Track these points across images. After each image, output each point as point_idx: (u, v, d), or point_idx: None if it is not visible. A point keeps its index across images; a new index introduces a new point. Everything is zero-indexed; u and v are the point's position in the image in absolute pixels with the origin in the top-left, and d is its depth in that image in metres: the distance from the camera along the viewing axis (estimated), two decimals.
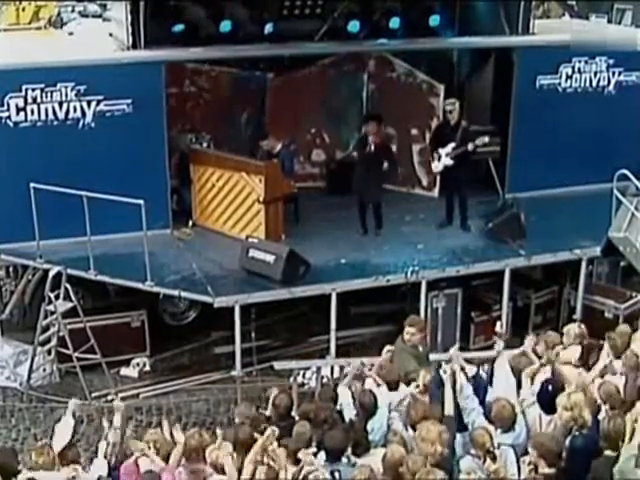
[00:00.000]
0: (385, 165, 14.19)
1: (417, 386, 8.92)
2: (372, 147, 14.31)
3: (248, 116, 16.38)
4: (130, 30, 13.88)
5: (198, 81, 16.19)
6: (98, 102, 13.70)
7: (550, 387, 8.60)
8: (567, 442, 7.83)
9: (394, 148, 15.80)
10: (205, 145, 15.60)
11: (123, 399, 12.50)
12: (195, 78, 16.16)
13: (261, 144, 15.01)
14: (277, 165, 14.43)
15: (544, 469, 7.40)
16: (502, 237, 14.43)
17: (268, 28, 14.81)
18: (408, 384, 9.22)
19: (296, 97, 16.36)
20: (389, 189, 15.56)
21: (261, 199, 14.08)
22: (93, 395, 12.84)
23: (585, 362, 9.81)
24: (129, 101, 13.76)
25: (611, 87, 16.59)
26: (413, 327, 10.06)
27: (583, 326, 10.72)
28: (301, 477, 7.53)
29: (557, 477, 7.44)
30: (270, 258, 13.12)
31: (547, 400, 8.45)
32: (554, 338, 10.21)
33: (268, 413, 9.49)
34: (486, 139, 14.55)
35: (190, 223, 14.93)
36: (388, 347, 10.02)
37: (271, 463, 7.70)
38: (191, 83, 16.15)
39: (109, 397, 12.69)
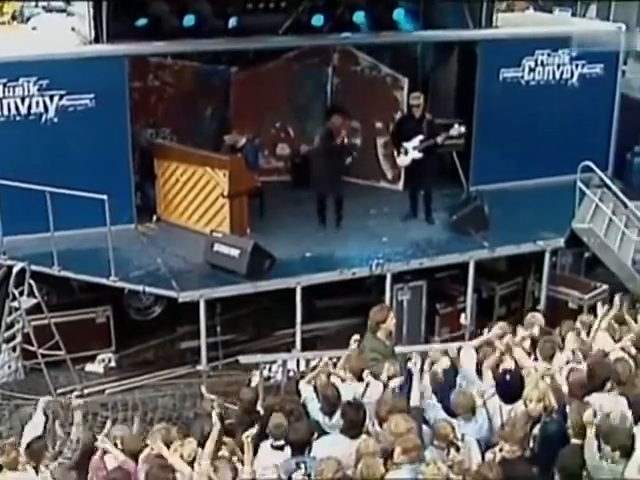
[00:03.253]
0: (349, 160, 14.22)
1: (388, 377, 8.95)
2: (344, 140, 14.35)
3: (212, 110, 16.36)
4: (93, 24, 13.85)
5: (162, 75, 16.15)
6: (61, 97, 13.64)
7: (508, 377, 8.67)
8: (537, 430, 7.95)
9: (358, 141, 15.84)
10: (165, 140, 15.54)
11: (89, 395, 12.63)
12: (159, 72, 16.12)
13: (225, 138, 14.99)
14: (241, 159, 14.44)
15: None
16: (466, 229, 14.51)
17: (232, 22, 14.83)
18: (375, 377, 9.26)
19: (260, 91, 16.34)
20: (353, 182, 15.61)
21: (225, 193, 14.07)
22: (58, 392, 12.76)
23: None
24: (92, 96, 13.71)
25: (574, 80, 16.70)
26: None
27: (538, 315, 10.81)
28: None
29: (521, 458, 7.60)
30: (235, 252, 13.11)
31: (506, 390, 8.52)
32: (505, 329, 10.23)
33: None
34: (462, 129, 14.64)
35: (154, 218, 14.89)
36: (356, 337, 9.99)
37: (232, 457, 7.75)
38: (154, 77, 16.11)
39: (74, 394, 12.65)
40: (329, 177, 14.49)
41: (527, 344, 9.94)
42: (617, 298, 10.63)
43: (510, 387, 8.54)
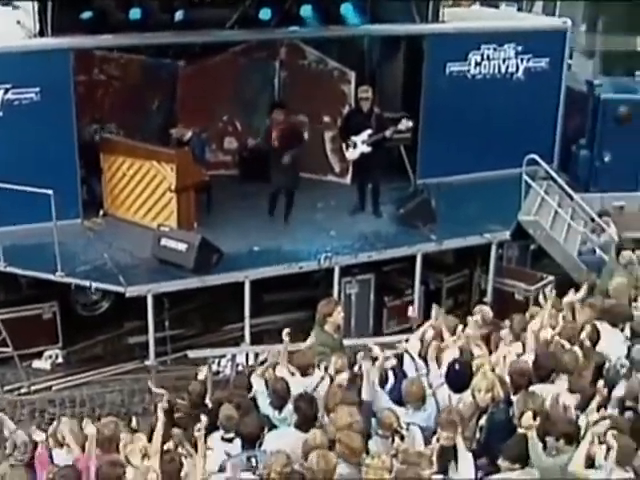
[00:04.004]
0: (286, 158, 14.20)
1: (336, 371, 8.99)
2: (276, 140, 14.36)
3: (158, 104, 16.21)
4: (38, 18, 13.72)
5: (107, 69, 15.99)
6: (6, 90, 13.49)
7: (458, 366, 8.75)
8: (484, 420, 8.09)
9: (306, 135, 15.83)
10: (111, 134, 15.43)
11: (36, 392, 12.55)
12: (104, 66, 15.95)
13: (171, 132, 14.92)
14: (188, 153, 14.38)
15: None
16: (413, 222, 14.62)
17: (178, 15, 14.75)
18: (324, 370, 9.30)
19: (207, 85, 16.27)
20: (301, 176, 15.58)
21: (172, 187, 14.00)
22: (5, 389, 12.67)
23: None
24: (37, 89, 13.57)
25: (520, 73, 16.85)
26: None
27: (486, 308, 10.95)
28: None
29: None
30: (182, 247, 13.06)
31: (455, 380, 8.60)
32: (451, 322, 10.34)
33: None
34: (410, 123, 14.71)
35: (101, 213, 14.78)
36: (286, 330, 9.94)
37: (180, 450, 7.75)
38: (100, 71, 15.94)
39: (22, 390, 12.57)
40: (279, 171, 14.50)
41: (478, 334, 10.08)
42: (548, 290, 10.79)
43: (459, 376, 8.64)
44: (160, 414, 8.12)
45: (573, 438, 7.31)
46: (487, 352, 9.67)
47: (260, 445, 7.94)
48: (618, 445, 6.89)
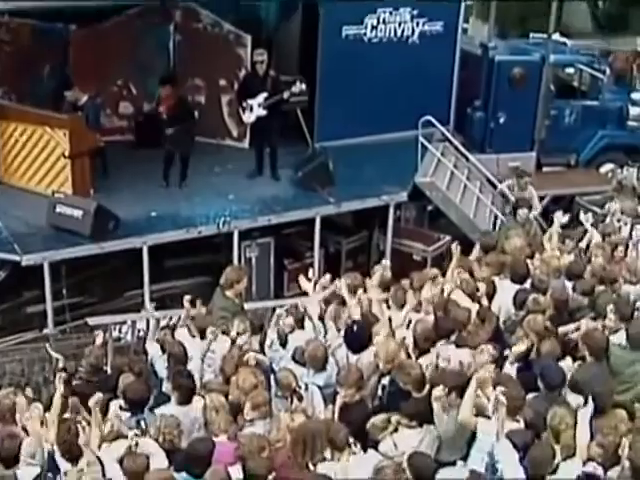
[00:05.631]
0: (169, 130, 14.14)
1: (238, 334, 9.01)
2: (164, 113, 14.28)
3: (51, 68, 15.88)
4: None
5: None
6: None
7: (355, 328, 8.86)
8: (387, 381, 8.20)
9: (202, 99, 15.73)
10: (2, 99, 15.08)
11: None
12: None
13: (66, 95, 14.62)
14: (82, 118, 14.13)
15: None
16: (312, 185, 14.67)
17: None
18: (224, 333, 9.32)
19: (101, 49, 15.94)
20: (198, 141, 15.49)
21: (66, 153, 13.76)
22: None
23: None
24: None
25: (415, 37, 16.98)
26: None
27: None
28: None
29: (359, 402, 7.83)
30: (78, 213, 12.91)
31: (354, 340, 8.70)
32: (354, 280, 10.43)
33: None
34: (303, 86, 14.73)
35: None
36: (187, 297, 9.92)
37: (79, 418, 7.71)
38: None
39: None
40: (172, 137, 14.37)
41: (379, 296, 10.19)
42: (454, 247, 10.95)
43: (357, 338, 8.73)
44: (58, 383, 8.04)
45: (464, 391, 7.49)
46: (388, 314, 9.74)
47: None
48: (508, 397, 7.06)
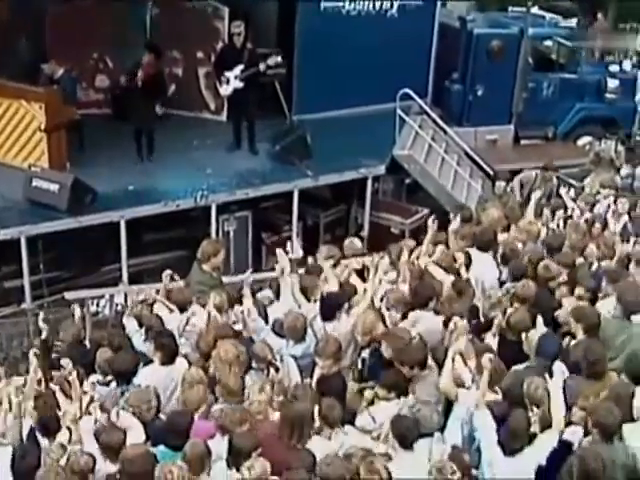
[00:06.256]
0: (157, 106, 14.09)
1: (215, 306, 9.01)
2: (140, 81, 14.15)
3: (27, 41, 15.74)
4: None
5: None
6: None
7: (329, 299, 8.89)
8: (367, 353, 8.24)
9: (180, 72, 15.64)
10: None
11: None
12: None
13: (43, 67, 14.51)
14: (58, 91, 14.01)
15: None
16: (289, 159, 14.64)
17: None
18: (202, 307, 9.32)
19: (78, 22, 15.78)
20: (176, 114, 15.43)
21: (43, 127, 13.65)
22: None
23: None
24: None
25: (394, 10, 16.95)
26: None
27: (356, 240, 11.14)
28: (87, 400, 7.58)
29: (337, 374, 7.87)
30: (55, 187, 12.84)
31: (329, 312, 8.73)
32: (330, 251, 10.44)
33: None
34: (278, 58, 14.66)
35: None
36: (167, 272, 9.91)
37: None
38: None
39: None
40: (138, 111, 14.30)
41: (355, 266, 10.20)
42: (430, 221, 10.98)
43: (329, 306, 8.77)
44: (32, 357, 8.04)
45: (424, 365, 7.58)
46: (364, 287, 9.74)
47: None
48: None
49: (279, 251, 9.78)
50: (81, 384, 7.97)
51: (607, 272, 9.29)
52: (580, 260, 9.93)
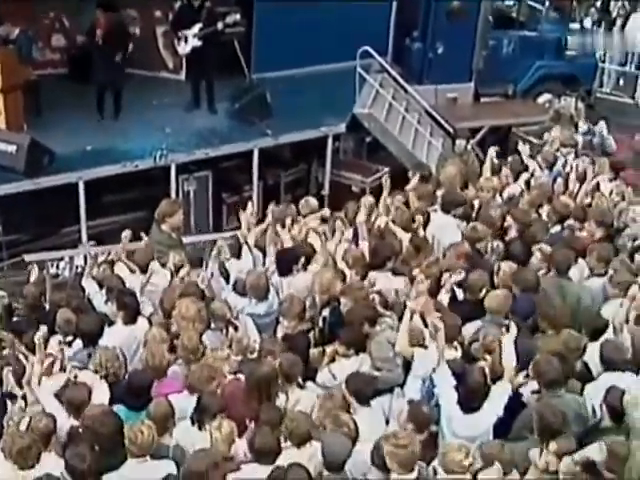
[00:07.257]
0: (118, 57, 13.90)
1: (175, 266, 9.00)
2: (100, 38, 13.99)
3: None
4: None
5: None
6: None
7: (284, 255, 8.95)
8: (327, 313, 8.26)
9: (137, 31, 15.46)
10: None
11: None
12: None
13: None
14: (13, 52, 13.80)
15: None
16: (249, 118, 14.57)
17: None
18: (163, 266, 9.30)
19: None
20: (134, 73, 15.26)
21: None
22: None
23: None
24: None
25: None
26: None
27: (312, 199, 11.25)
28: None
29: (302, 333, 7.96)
30: (11, 148, 12.71)
31: (284, 266, 8.76)
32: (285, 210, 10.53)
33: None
34: (237, 16, 14.54)
35: None
36: (126, 233, 9.89)
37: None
38: None
39: None
40: (102, 70, 14.15)
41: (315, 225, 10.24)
42: (384, 180, 11.01)
43: (284, 261, 8.80)
44: None
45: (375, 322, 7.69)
46: (324, 244, 9.76)
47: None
48: (445, 324, 7.18)
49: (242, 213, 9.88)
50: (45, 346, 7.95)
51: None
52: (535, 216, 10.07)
